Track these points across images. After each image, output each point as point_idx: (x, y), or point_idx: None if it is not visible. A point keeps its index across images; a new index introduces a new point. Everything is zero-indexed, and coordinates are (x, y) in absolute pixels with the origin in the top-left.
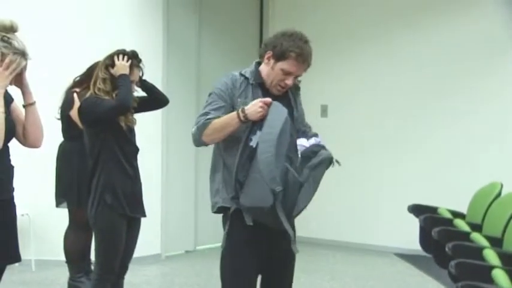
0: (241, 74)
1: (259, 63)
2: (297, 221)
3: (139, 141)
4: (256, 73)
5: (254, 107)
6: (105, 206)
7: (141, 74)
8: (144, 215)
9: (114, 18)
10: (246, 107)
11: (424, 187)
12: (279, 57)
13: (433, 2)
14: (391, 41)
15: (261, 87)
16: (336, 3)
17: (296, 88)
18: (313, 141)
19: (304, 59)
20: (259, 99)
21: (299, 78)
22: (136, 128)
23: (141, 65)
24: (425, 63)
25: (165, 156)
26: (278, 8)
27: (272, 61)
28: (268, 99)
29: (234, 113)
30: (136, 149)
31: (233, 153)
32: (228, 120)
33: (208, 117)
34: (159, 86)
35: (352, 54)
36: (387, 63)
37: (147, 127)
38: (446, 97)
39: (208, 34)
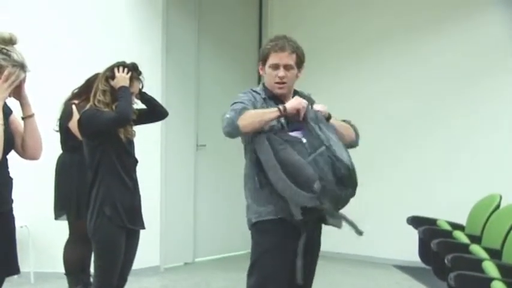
0: (254, 90)
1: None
2: None
3: (138, 153)
4: (266, 89)
5: (294, 101)
6: (104, 218)
7: (140, 86)
8: (143, 227)
9: (113, 29)
10: (286, 104)
11: (423, 199)
12: (264, 60)
13: (437, 9)
14: (395, 45)
15: (273, 100)
16: (337, 9)
17: (310, 101)
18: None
19: (280, 46)
20: (296, 97)
21: (307, 92)
22: (136, 140)
23: (141, 77)
24: (425, 74)
25: (164, 168)
26: (277, 15)
27: (263, 68)
28: (304, 100)
29: (274, 107)
30: (136, 161)
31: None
32: (268, 110)
33: (246, 105)
34: (159, 98)
35: (354, 61)
36: (389, 69)
37: (146, 139)
38: (445, 108)
39: (207, 44)
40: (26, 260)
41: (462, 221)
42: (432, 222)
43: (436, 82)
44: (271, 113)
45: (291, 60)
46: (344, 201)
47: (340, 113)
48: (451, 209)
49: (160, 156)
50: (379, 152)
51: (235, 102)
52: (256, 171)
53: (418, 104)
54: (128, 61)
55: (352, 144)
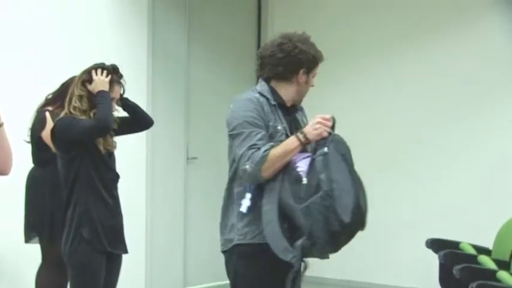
0: (261, 94)
1: (265, 80)
2: None
3: (120, 168)
4: (274, 92)
5: (310, 127)
6: (82, 240)
7: (122, 91)
8: (126, 251)
9: (91, 27)
10: (304, 129)
11: (444, 219)
12: (312, 67)
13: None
14: (404, 45)
15: (280, 107)
16: (341, 8)
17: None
18: (305, 158)
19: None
20: (318, 116)
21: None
22: (117, 153)
23: (122, 80)
24: (445, 82)
25: (150, 184)
26: (278, 13)
27: (304, 77)
28: (327, 116)
29: (292, 137)
30: (117, 177)
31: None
32: (288, 146)
33: (264, 149)
34: (143, 104)
35: (361, 66)
36: (403, 73)
37: (129, 151)
38: (468, 122)
39: (198, 44)
40: None
41: (488, 244)
42: (454, 245)
43: (457, 93)
44: (292, 148)
45: None
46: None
47: (348, 130)
48: (476, 231)
49: (145, 171)
50: (392, 167)
51: (243, 131)
52: (253, 193)
53: (441, 119)
54: (108, 62)
55: None
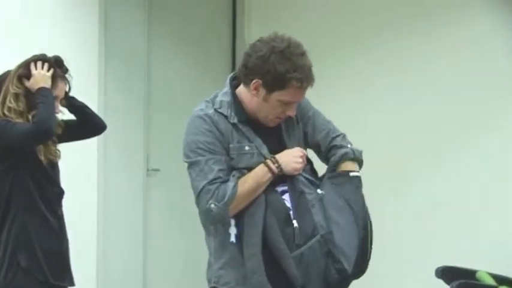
0: (217, 111)
1: (233, 79)
2: None
3: (65, 181)
4: (238, 106)
5: (290, 156)
6: (19, 270)
7: (67, 89)
8: (73, 284)
9: (31, 12)
10: (278, 156)
11: (457, 243)
12: (273, 87)
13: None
14: (394, 48)
15: (248, 125)
16: (326, 4)
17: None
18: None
19: (308, 81)
20: (298, 149)
21: None
22: (62, 163)
23: (67, 76)
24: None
25: (102, 200)
26: (256, 3)
27: (263, 91)
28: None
29: (262, 167)
30: (61, 192)
31: None
32: (257, 178)
33: (233, 185)
34: (94, 105)
35: (347, 65)
36: (400, 78)
37: (76, 162)
38: (485, 129)
39: (160, 36)
40: None
41: (510, 272)
42: (470, 274)
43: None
44: (264, 181)
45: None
46: None
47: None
48: (494, 257)
49: (96, 185)
50: (394, 181)
51: (199, 160)
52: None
53: (451, 124)
54: (50, 54)
55: None
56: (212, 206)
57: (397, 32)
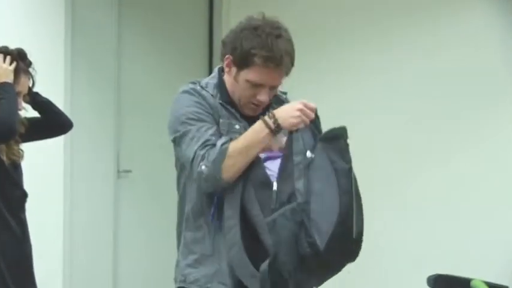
0: (203, 88)
1: (222, 70)
2: None
3: (29, 184)
4: (222, 88)
5: (289, 110)
6: None
7: (31, 84)
8: None
9: None
10: (275, 111)
11: (450, 250)
12: (240, 64)
13: None
14: (388, 39)
15: (233, 105)
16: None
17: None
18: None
19: (277, 62)
20: (299, 102)
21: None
22: (25, 164)
23: (31, 69)
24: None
25: (68, 204)
26: None
27: (234, 69)
28: (312, 105)
29: (259, 122)
30: (25, 195)
31: None
32: (254, 135)
33: (221, 142)
34: (60, 101)
35: (336, 56)
36: (393, 74)
37: (41, 162)
38: (482, 129)
39: (132, 26)
40: None
41: (506, 281)
42: (464, 283)
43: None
44: (260, 138)
45: (281, 78)
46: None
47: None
48: (490, 265)
49: (62, 187)
50: (382, 184)
51: (189, 129)
52: (210, 209)
53: (445, 119)
54: (13, 46)
55: None
56: (203, 167)
57: (390, 27)
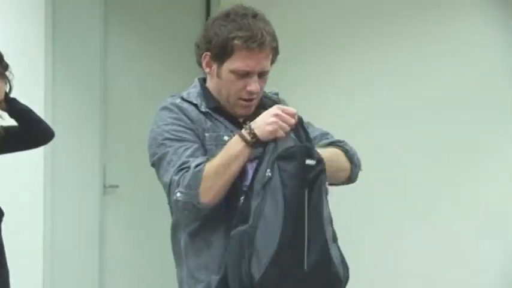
0: (185, 100)
1: (204, 80)
2: None
3: (6, 201)
4: (207, 94)
5: (265, 118)
6: None
7: (7, 89)
8: None
9: None
10: (252, 122)
11: (456, 267)
12: (220, 55)
13: None
14: (386, 39)
15: (220, 113)
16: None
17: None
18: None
19: (259, 40)
20: (277, 106)
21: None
22: (2, 179)
23: (7, 73)
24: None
25: (49, 222)
26: None
27: (215, 66)
28: (290, 109)
29: (235, 137)
30: (1, 213)
31: None
32: (229, 150)
33: (195, 164)
34: (40, 109)
35: (332, 63)
36: (389, 78)
37: (20, 176)
38: (480, 131)
39: (120, 27)
40: None
41: None
42: None
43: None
44: (236, 152)
45: (268, 61)
46: None
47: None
48: (492, 281)
49: (43, 205)
50: (377, 195)
51: (166, 151)
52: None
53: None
54: None
55: (344, 180)
56: (178, 194)
57: (387, 30)
